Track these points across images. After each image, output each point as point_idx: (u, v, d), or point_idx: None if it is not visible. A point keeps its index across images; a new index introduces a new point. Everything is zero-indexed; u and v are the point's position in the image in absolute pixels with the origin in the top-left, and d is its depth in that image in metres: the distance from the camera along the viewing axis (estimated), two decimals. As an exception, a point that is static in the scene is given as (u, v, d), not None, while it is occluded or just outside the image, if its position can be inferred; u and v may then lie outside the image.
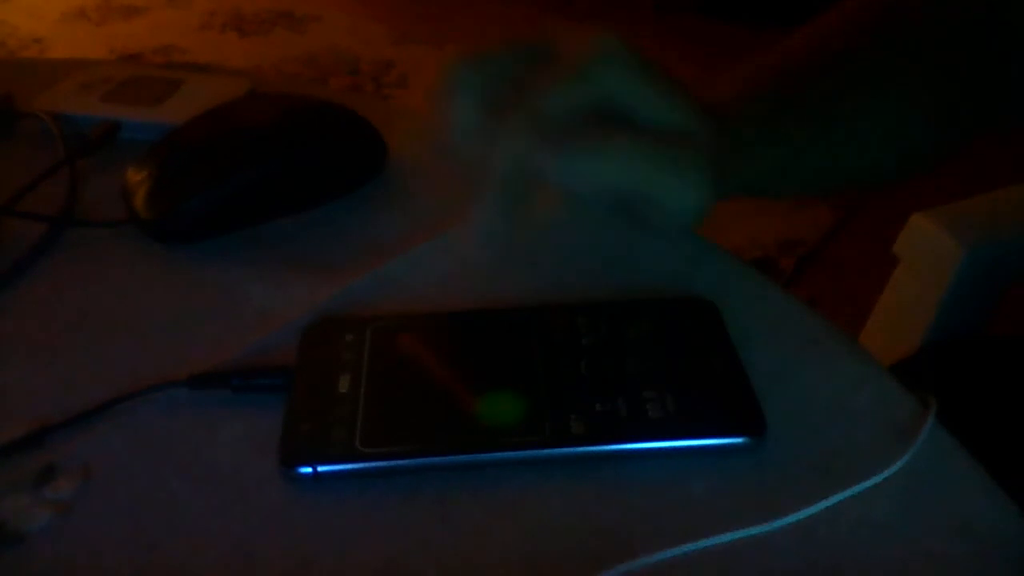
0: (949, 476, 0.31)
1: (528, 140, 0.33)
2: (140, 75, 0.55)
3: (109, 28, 2.41)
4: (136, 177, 0.44)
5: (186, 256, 0.42)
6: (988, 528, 0.29)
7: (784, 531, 0.29)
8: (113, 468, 0.32)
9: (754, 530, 0.29)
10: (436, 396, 0.33)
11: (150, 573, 0.29)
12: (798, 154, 0.42)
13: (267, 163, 0.44)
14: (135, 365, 0.36)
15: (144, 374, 0.35)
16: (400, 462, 0.31)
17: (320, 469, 0.31)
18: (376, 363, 0.34)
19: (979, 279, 0.62)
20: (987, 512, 0.30)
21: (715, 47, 2.23)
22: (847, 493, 0.30)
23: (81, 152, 0.49)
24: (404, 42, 2.31)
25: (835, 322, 0.38)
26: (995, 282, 0.64)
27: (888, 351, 0.63)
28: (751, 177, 0.40)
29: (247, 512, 0.30)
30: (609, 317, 0.36)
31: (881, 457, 0.31)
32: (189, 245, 0.43)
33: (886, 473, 0.31)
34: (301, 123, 0.46)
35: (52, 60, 1.62)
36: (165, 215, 0.42)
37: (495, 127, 0.34)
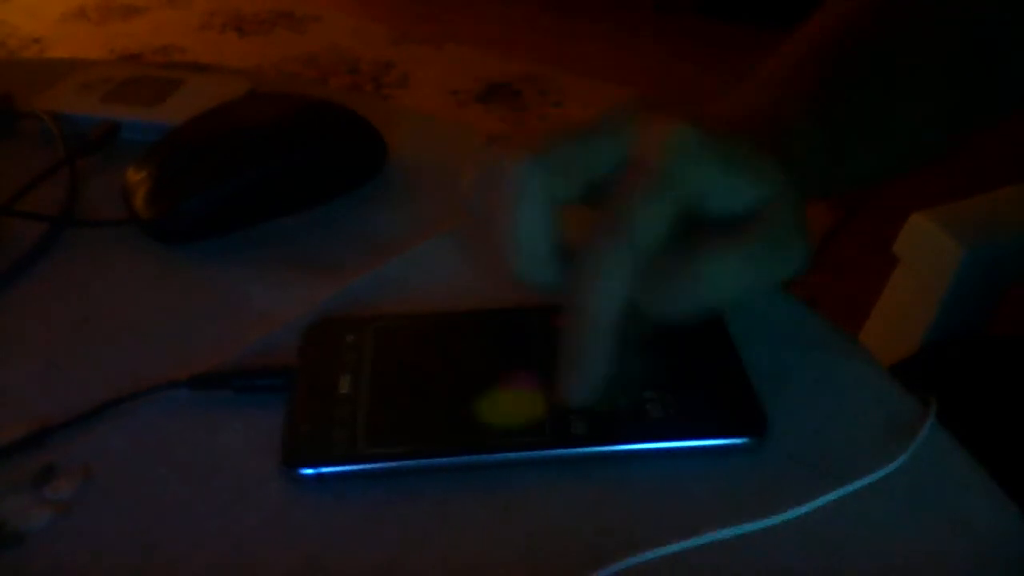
0: (949, 476, 0.31)
1: (626, 278, 0.29)
2: (140, 75, 0.55)
3: (109, 28, 2.42)
4: (136, 177, 0.44)
5: (186, 256, 0.42)
6: (988, 528, 0.29)
7: (784, 530, 0.29)
8: (113, 468, 0.32)
9: (752, 526, 0.29)
10: (438, 397, 0.33)
11: (150, 573, 0.29)
12: (832, 162, 0.41)
13: (267, 163, 0.44)
14: (135, 365, 0.36)
15: (144, 374, 0.35)
16: (402, 463, 0.31)
17: (322, 470, 0.31)
18: (377, 364, 0.34)
19: (979, 279, 0.62)
20: (987, 512, 0.30)
21: (715, 47, 2.23)
22: (845, 490, 0.30)
23: (81, 152, 0.49)
24: (404, 42, 2.32)
25: (835, 322, 0.38)
26: (995, 282, 0.64)
27: (888, 351, 0.63)
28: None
29: (248, 512, 0.30)
30: None
31: (881, 457, 0.31)
32: (189, 245, 0.43)
33: (884, 471, 0.31)
34: (301, 123, 0.46)
35: (52, 60, 1.62)
36: (165, 215, 0.42)
37: (583, 260, 0.29)
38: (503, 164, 0.30)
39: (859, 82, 0.42)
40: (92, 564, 0.29)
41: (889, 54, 0.43)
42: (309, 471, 0.31)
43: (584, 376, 0.30)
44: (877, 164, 0.45)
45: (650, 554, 0.28)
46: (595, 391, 0.30)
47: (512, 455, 0.31)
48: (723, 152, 0.31)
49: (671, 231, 0.30)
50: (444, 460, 0.31)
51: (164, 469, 0.32)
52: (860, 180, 0.46)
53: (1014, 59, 0.44)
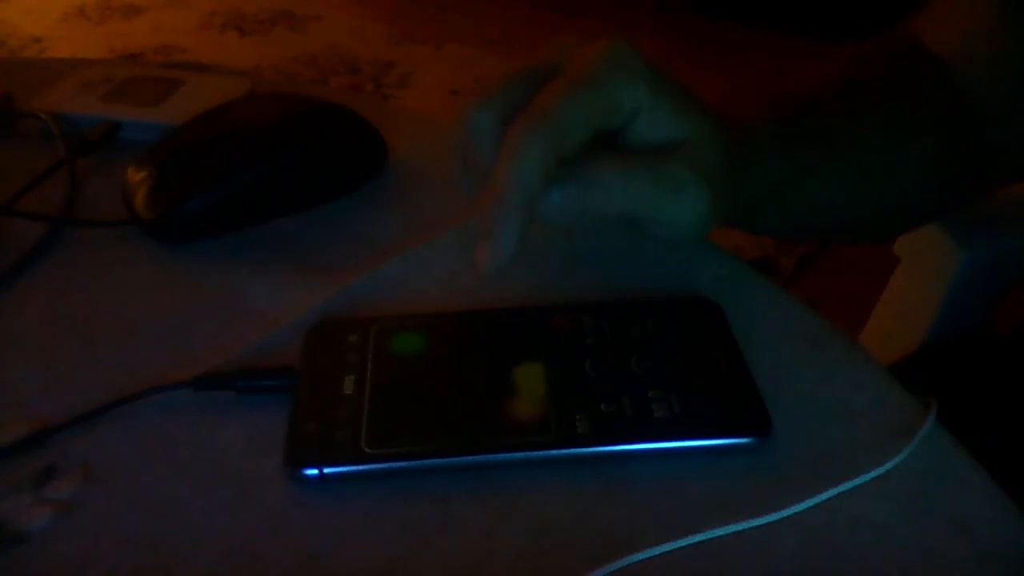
0: (949, 476, 0.31)
1: (539, 161, 0.31)
2: (140, 75, 0.55)
3: (109, 28, 2.42)
4: (136, 177, 0.44)
5: (186, 256, 0.42)
6: (988, 528, 0.29)
7: (784, 529, 0.29)
8: (114, 468, 0.32)
9: (750, 523, 0.29)
10: (441, 397, 0.33)
11: (150, 573, 0.29)
12: (801, 178, 0.42)
13: (267, 163, 0.44)
14: (135, 365, 0.36)
15: (144, 374, 0.35)
16: (406, 463, 0.31)
17: (326, 471, 0.31)
18: (380, 364, 0.34)
19: (978, 280, 0.62)
20: (987, 512, 0.30)
21: (715, 47, 2.23)
22: (843, 487, 0.30)
23: (81, 152, 0.49)
24: (404, 42, 2.32)
25: (835, 322, 0.38)
26: (995, 283, 0.64)
27: (888, 351, 0.63)
28: (751, 196, 0.40)
29: (250, 513, 0.30)
30: (613, 317, 0.36)
31: (881, 456, 0.31)
32: (189, 245, 0.43)
33: (881, 469, 0.31)
34: (301, 123, 0.46)
35: (52, 60, 1.62)
36: (165, 215, 0.42)
37: (504, 141, 0.32)
38: (460, 114, 0.34)
39: (830, 120, 0.43)
40: (92, 564, 0.29)
41: (900, 103, 0.44)
42: (312, 471, 0.31)
43: (495, 248, 0.32)
44: (853, 201, 0.46)
45: (649, 553, 0.28)
46: (504, 262, 0.32)
47: (516, 455, 0.31)
48: (655, 77, 0.33)
49: (591, 135, 0.32)
50: (447, 460, 0.31)
51: (165, 469, 0.32)
52: (832, 215, 0.47)
53: (988, 131, 0.46)
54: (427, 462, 0.31)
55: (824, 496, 0.30)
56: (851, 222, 0.49)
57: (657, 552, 0.28)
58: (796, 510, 0.30)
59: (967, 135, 0.46)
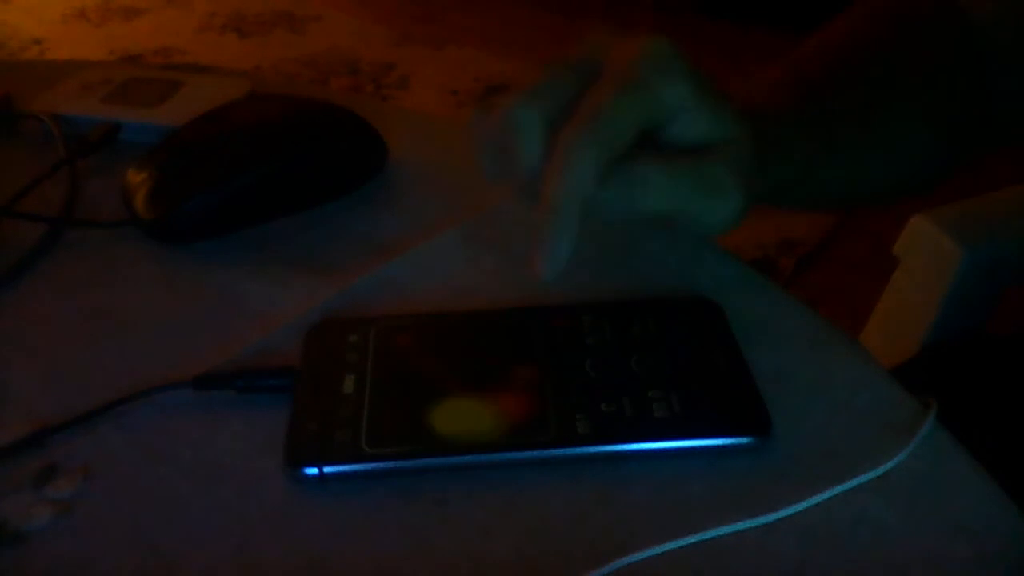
0: (949, 476, 0.31)
1: (591, 168, 0.31)
2: (140, 76, 0.55)
3: (109, 29, 2.42)
4: (136, 178, 0.44)
5: (186, 256, 0.42)
6: (988, 528, 0.29)
7: (783, 530, 0.29)
8: (114, 468, 0.32)
9: (750, 523, 0.29)
10: (441, 397, 0.33)
11: (150, 573, 0.29)
12: (809, 170, 0.42)
13: (267, 164, 0.44)
14: (135, 365, 0.36)
15: (144, 374, 0.35)
16: (406, 463, 0.31)
17: (326, 470, 0.31)
18: (380, 364, 0.34)
19: (979, 280, 0.62)
20: (987, 512, 0.30)
21: (715, 47, 2.23)
22: (843, 487, 0.30)
23: (81, 153, 0.49)
24: (404, 43, 2.32)
25: (835, 322, 0.38)
26: (995, 283, 0.64)
27: (888, 352, 0.63)
28: (762, 190, 0.40)
29: (250, 512, 0.31)
30: (613, 317, 0.36)
31: (880, 456, 0.31)
32: (189, 245, 0.43)
33: (881, 470, 0.31)
34: (301, 124, 0.46)
35: (52, 61, 1.62)
36: (165, 215, 0.42)
37: (553, 149, 0.32)
38: (503, 110, 0.33)
39: (848, 93, 0.43)
40: (92, 564, 0.29)
41: (887, 70, 0.44)
42: (312, 470, 0.31)
43: (551, 254, 0.32)
44: (863, 179, 0.45)
45: (648, 552, 0.28)
46: (560, 268, 0.32)
47: (516, 455, 0.31)
48: (695, 76, 0.33)
49: (636, 135, 0.32)
50: (446, 460, 0.31)
51: (165, 469, 0.32)
52: (843, 193, 0.47)
53: (993, 87, 0.45)
54: (426, 461, 0.31)
55: (824, 496, 0.30)
56: (868, 192, 0.49)
57: (657, 552, 0.28)
58: (796, 510, 0.30)
59: (975, 86, 0.46)
